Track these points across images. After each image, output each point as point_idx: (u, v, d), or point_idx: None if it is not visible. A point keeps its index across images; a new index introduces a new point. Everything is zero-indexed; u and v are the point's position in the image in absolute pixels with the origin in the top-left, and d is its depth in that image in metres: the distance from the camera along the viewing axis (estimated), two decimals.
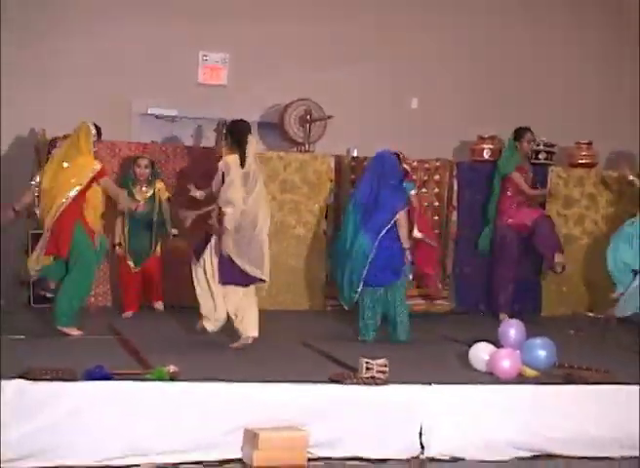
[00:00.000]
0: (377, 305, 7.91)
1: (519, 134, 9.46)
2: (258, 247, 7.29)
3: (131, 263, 8.72)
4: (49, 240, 7.39)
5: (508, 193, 9.34)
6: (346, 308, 8.08)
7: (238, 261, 7.15)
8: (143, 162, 8.69)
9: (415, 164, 9.53)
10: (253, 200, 7.27)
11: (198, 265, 7.27)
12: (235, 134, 7.41)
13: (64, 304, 7.46)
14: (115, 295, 9.12)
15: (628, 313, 8.64)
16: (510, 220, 9.30)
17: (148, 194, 8.69)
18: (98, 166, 7.54)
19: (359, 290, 7.84)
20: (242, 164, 7.24)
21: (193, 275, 7.29)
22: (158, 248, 8.84)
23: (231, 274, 7.24)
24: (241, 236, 7.18)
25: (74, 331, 7.44)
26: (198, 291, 7.27)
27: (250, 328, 7.30)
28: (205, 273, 7.24)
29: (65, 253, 7.41)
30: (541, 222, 9.27)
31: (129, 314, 8.72)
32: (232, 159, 7.25)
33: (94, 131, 7.60)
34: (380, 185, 7.91)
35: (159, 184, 8.73)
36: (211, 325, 7.30)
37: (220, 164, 7.32)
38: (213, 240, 7.23)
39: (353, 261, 7.81)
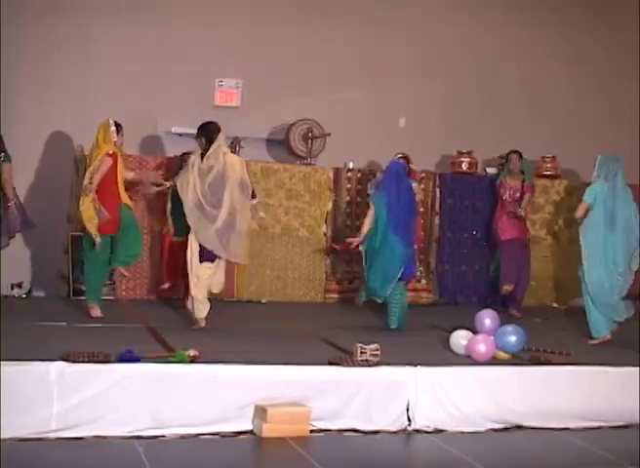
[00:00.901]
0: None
1: (507, 156, 9.52)
2: (236, 237, 7.20)
3: (171, 230, 8.43)
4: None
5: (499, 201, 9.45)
6: (380, 301, 7.84)
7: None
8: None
9: None
10: (213, 194, 7.12)
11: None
12: (205, 133, 7.28)
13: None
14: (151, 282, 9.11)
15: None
16: (498, 229, 9.36)
17: None
18: (110, 150, 7.40)
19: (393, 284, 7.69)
20: (202, 159, 7.14)
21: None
22: None
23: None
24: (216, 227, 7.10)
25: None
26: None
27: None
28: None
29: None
30: (506, 247, 9.27)
31: (166, 285, 8.61)
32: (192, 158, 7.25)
33: (112, 125, 7.50)
34: (398, 189, 7.76)
35: None
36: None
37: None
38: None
39: (388, 259, 7.61)
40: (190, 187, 7.15)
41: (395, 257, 7.63)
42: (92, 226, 7.36)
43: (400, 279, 7.75)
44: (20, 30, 9.14)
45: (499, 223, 9.36)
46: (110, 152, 7.41)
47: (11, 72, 9.06)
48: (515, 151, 9.45)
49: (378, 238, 7.63)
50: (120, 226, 7.48)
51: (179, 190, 7.23)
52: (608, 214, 7.65)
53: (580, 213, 7.83)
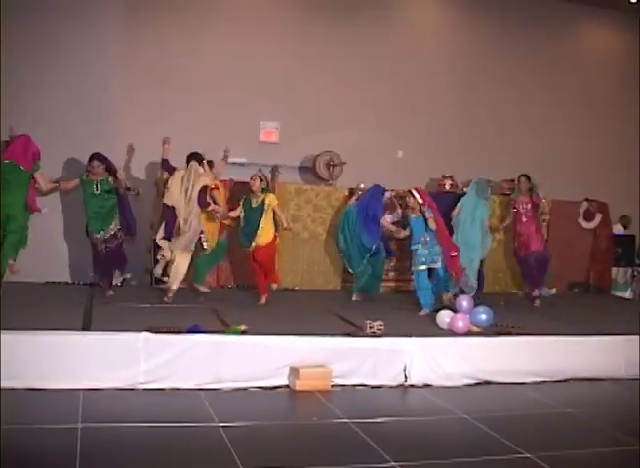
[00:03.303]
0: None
1: (517, 179, 9.18)
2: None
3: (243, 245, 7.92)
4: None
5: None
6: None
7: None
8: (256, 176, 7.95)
9: (402, 193, 9.51)
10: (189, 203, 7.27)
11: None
12: (187, 159, 7.44)
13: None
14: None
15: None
16: (519, 247, 9.09)
17: (260, 199, 7.71)
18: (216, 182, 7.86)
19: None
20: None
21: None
22: (269, 239, 7.69)
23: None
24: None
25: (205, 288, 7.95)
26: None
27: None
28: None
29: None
30: (524, 261, 9.01)
31: (263, 301, 7.75)
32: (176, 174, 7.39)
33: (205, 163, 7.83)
34: (373, 202, 8.29)
35: (271, 196, 7.69)
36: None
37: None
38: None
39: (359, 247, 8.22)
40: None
41: (364, 247, 8.16)
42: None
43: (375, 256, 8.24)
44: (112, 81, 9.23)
45: (515, 241, 9.03)
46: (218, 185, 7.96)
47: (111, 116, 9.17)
48: (524, 174, 9.11)
49: (350, 233, 8.28)
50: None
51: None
52: (469, 213, 8.46)
53: (455, 212, 8.54)
